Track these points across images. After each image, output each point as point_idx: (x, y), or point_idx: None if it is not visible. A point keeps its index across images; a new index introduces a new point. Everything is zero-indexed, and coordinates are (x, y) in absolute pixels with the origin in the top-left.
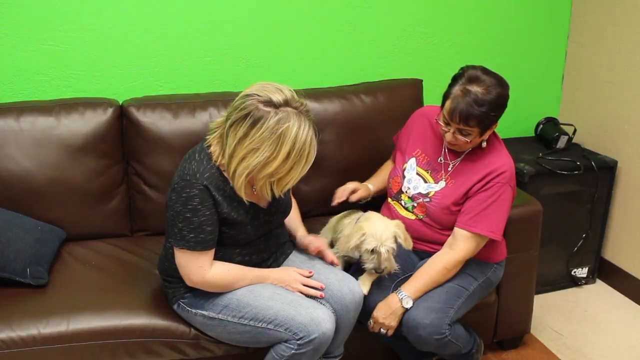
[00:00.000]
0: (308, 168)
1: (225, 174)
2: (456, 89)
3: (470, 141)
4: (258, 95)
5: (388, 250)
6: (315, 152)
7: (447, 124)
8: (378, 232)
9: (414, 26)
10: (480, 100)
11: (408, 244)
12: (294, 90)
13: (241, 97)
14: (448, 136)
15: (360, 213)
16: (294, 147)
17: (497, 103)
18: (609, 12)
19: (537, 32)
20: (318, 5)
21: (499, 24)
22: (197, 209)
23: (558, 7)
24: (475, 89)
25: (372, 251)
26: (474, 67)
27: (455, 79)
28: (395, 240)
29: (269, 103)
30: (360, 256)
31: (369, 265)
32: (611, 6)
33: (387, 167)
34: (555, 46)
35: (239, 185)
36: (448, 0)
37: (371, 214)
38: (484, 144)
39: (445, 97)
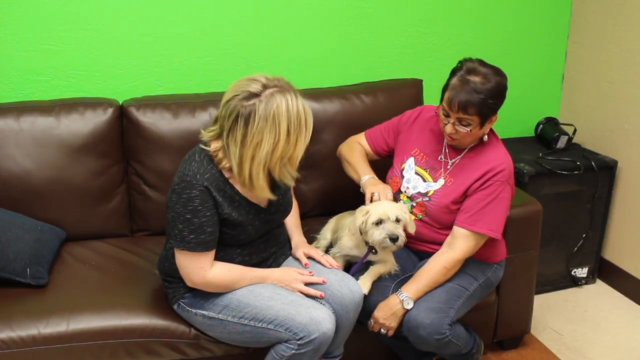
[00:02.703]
0: (310, 136)
1: (226, 175)
2: (455, 80)
3: (471, 132)
4: (237, 95)
5: (398, 218)
6: (312, 118)
7: (447, 116)
8: (381, 208)
9: (414, 26)
10: (479, 89)
11: (411, 227)
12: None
13: (223, 106)
14: (448, 128)
15: None
16: (291, 122)
17: (496, 91)
18: (609, 12)
19: (537, 32)
20: (318, 5)
21: (499, 24)
22: (197, 209)
23: (558, 7)
24: (474, 78)
25: (378, 223)
26: (471, 60)
27: (454, 71)
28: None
29: (250, 96)
30: (369, 241)
31: (380, 236)
32: (611, 6)
33: (362, 152)
34: (555, 46)
35: (261, 184)
36: (448, 0)
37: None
38: (485, 138)
39: (445, 89)
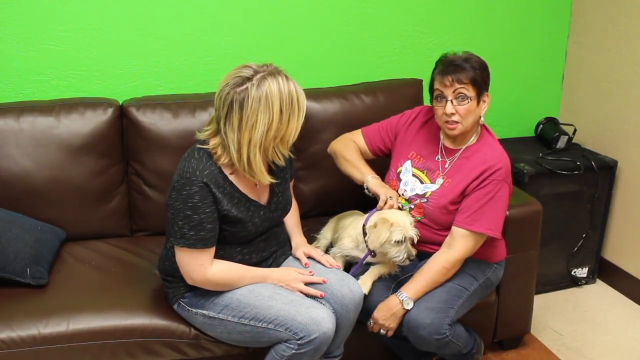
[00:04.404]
0: (303, 116)
1: (225, 171)
2: (438, 68)
3: (469, 105)
4: (229, 84)
5: (417, 235)
6: (305, 98)
7: (443, 98)
8: (401, 221)
9: (414, 26)
10: (465, 63)
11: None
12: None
13: (217, 97)
14: (448, 107)
15: (359, 213)
16: (283, 101)
17: (480, 64)
18: (609, 12)
19: (537, 32)
20: (318, 5)
21: (499, 24)
22: (197, 206)
23: (558, 7)
24: (457, 57)
25: (400, 242)
26: (446, 53)
27: (435, 65)
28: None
29: (242, 81)
30: (389, 257)
31: (400, 257)
32: (611, 6)
33: (357, 150)
34: (555, 46)
35: (259, 167)
36: (448, 0)
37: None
38: (482, 120)
39: (431, 84)
